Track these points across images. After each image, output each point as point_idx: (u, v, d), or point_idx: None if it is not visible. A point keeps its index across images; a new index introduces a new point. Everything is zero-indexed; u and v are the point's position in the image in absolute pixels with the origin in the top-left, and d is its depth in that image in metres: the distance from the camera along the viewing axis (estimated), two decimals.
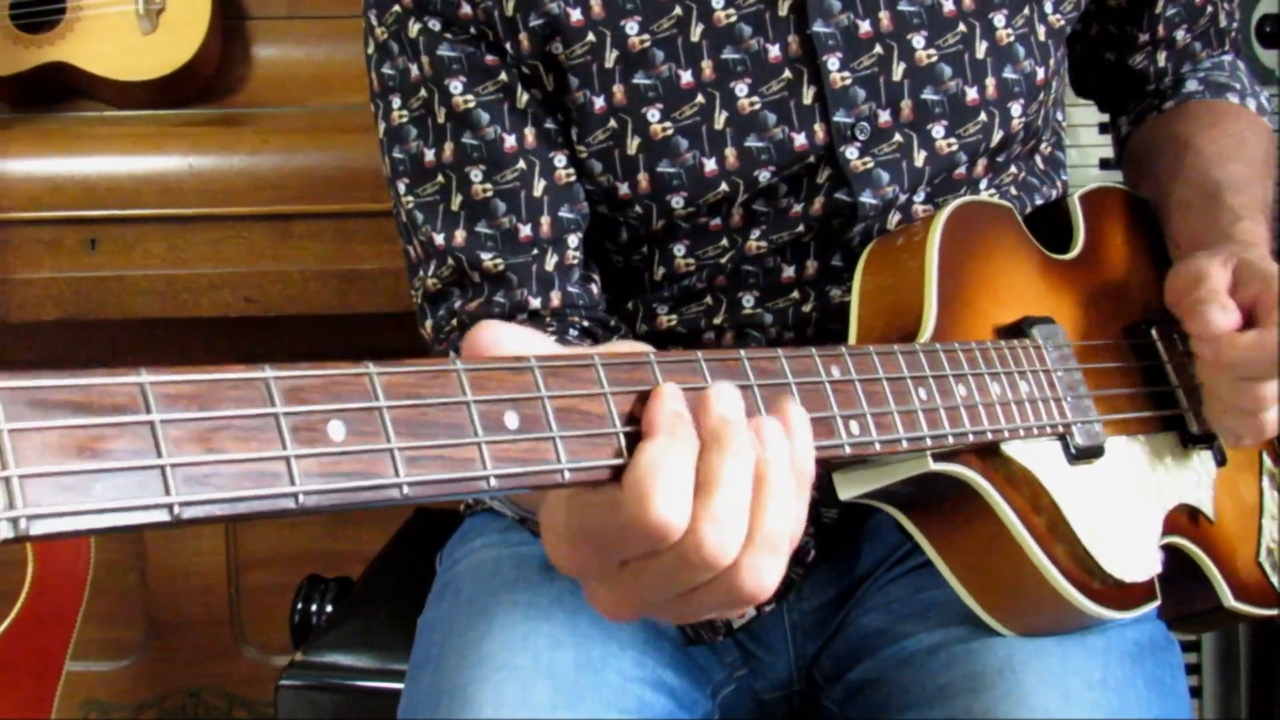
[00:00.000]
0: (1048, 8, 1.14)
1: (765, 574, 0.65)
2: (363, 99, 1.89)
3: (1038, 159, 1.21)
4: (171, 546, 2.20)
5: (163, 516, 0.46)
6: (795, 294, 1.11)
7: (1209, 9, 1.27)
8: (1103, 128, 1.79)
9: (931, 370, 0.86)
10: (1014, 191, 1.16)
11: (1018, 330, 1.00)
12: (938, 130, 1.09)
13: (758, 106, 1.07)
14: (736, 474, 0.63)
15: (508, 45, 1.08)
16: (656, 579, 0.65)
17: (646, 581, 0.65)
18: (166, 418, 0.47)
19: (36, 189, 1.79)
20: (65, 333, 2.07)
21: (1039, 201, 1.18)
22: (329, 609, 1.54)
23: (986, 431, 0.89)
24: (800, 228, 1.09)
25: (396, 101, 1.11)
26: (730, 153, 1.07)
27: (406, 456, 0.55)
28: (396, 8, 1.10)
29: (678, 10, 1.07)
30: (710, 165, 1.07)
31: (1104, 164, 1.76)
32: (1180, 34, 1.27)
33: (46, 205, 1.78)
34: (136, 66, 1.87)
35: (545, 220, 1.09)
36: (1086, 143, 1.76)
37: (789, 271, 1.11)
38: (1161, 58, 1.27)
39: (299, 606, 1.55)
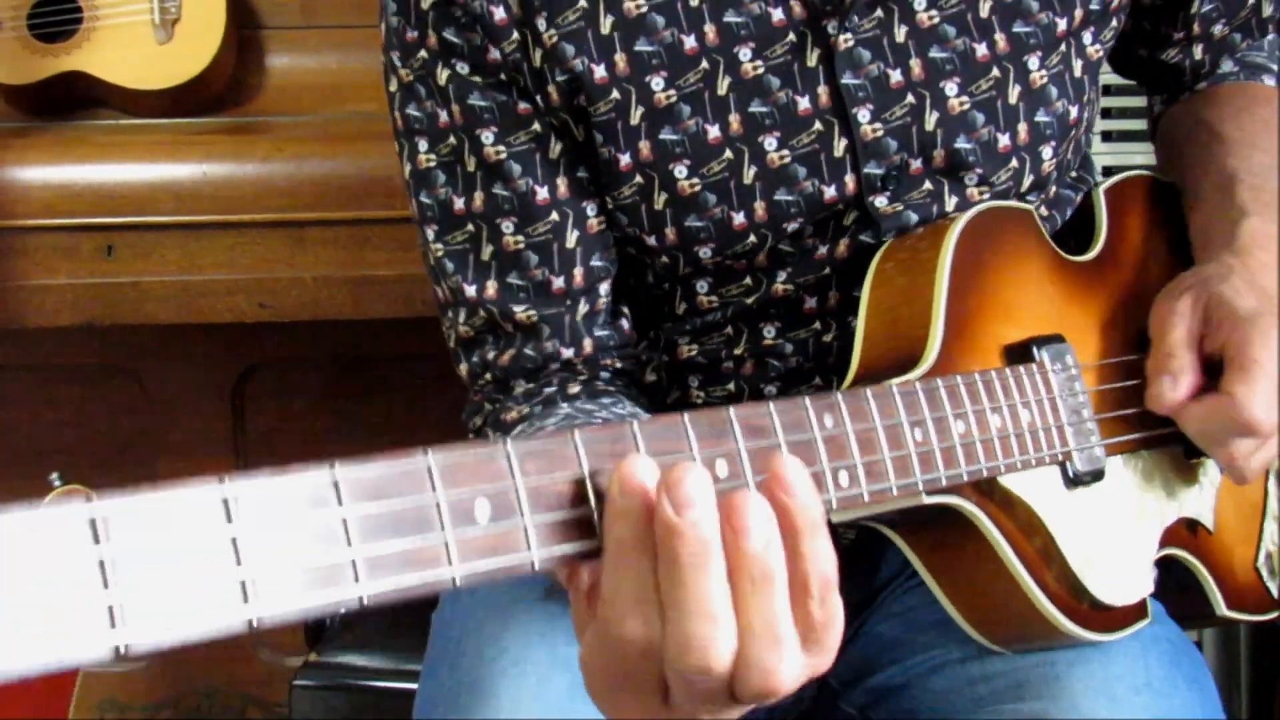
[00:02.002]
0: (1086, 39, 1.10)
1: (774, 672, 0.63)
2: (374, 107, 1.90)
3: (1069, 173, 1.17)
4: None
5: (105, 654, 0.47)
6: (817, 324, 1.09)
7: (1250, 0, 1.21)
8: (1105, 136, 1.79)
9: (931, 411, 0.84)
10: (1045, 211, 1.12)
11: (1025, 351, 0.97)
12: (970, 178, 1.06)
13: (787, 160, 1.04)
14: (696, 579, 0.62)
15: (538, 97, 1.04)
16: (680, 699, 0.65)
17: (677, 711, 0.66)
18: (114, 553, 0.48)
19: (54, 196, 1.80)
20: (82, 338, 2.09)
21: (1070, 213, 1.15)
22: (342, 610, 1.55)
23: (982, 469, 0.87)
24: (826, 270, 1.07)
25: (423, 145, 1.07)
26: (759, 206, 1.04)
27: (368, 562, 0.55)
28: (423, 52, 1.05)
29: (704, 64, 1.03)
30: (739, 219, 1.05)
31: (1106, 172, 1.76)
32: (1218, 28, 1.21)
33: (63, 212, 1.80)
34: (152, 75, 1.89)
35: (579, 271, 1.07)
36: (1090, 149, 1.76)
37: (811, 303, 1.09)
38: (1198, 50, 1.21)
39: None
